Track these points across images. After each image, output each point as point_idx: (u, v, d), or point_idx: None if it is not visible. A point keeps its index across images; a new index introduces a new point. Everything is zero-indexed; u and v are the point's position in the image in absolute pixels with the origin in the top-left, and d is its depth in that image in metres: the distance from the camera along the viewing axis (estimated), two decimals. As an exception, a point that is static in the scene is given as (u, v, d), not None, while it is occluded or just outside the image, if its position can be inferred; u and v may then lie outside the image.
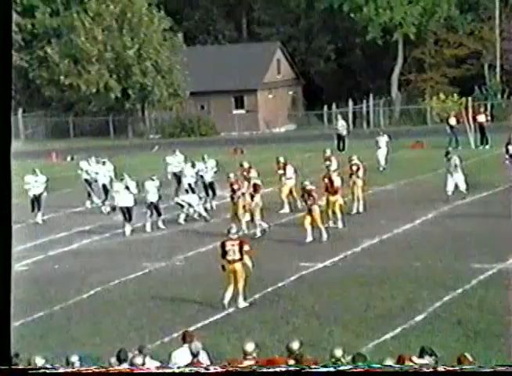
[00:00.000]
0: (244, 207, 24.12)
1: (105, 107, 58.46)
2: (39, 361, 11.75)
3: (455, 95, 55.00)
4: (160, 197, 25.59)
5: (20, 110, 58.11)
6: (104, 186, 28.90)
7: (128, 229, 24.96)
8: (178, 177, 29.27)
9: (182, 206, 26.19)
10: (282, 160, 27.88)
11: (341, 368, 7.33)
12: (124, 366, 11.52)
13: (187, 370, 8.42)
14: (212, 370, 7.10)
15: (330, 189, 23.76)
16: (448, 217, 24.70)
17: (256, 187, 24.10)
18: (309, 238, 22.21)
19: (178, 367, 10.26)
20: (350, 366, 6.80)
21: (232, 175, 24.89)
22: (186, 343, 12.56)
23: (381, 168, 33.78)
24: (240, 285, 17.31)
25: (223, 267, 17.38)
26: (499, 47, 59.35)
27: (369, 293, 17.79)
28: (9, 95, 7.87)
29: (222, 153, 38.66)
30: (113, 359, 11.91)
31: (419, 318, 16.09)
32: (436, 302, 16.84)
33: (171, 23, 58.75)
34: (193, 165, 28.24)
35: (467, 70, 60.32)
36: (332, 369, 7.83)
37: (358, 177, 25.94)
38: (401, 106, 59.45)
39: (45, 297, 19.11)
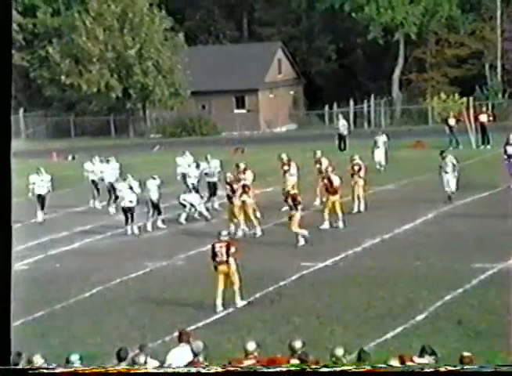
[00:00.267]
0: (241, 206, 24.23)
1: (106, 107, 58.48)
2: (39, 360, 11.75)
3: (456, 95, 55.04)
4: (160, 196, 25.62)
5: (21, 110, 58.14)
6: (111, 184, 28.69)
7: (135, 228, 24.87)
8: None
9: (184, 206, 26.21)
10: (285, 157, 27.90)
11: (344, 368, 7.35)
12: (124, 365, 11.52)
13: (187, 370, 8.43)
14: (213, 370, 7.10)
15: (330, 189, 23.78)
16: (449, 217, 24.70)
17: (245, 188, 24.00)
18: (302, 242, 22.17)
19: (179, 367, 10.27)
20: (352, 366, 6.81)
21: (229, 175, 24.95)
22: (183, 342, 12.58)
23: (381, 168, 33.72)
24: (236, 286, 17.27)
25: (215, 267, 17.35)
26: (500, 47, 59.34)
27: (369, 292, 17.80)
28: (9, 95, 7.88)
29: (223, 152, 38.65)
30: (114, 359, 11.92)
31: (420, 317, 16.10)
32: (437, 302, 16.85)
33: (172, 22, 58.76)
34: (198, 166, 28.31)
35: (468, 70, 60.30)
36: (334, 369, 7.85)
37: (359, 177, 25.96)
38: (402, 106, 59.44)
39: (46, 296, 19.12)
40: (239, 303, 17.39)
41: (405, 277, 18.74)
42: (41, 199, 27.51)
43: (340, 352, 11.30)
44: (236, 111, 59.25)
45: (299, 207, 22.08)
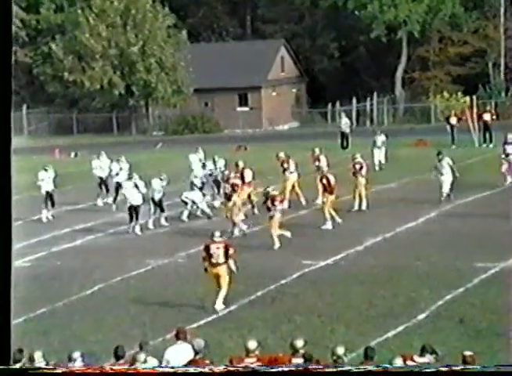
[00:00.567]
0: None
1: (109, 104, 58.47)
2: (39, 356, 11.75)
3: (459, 93, 54.98)
4: (164, 195, 25.64)
5: (24, 106, 58.12)
6: (119, 184, 28.52)
7: (137, 228, 24.82)
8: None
9: (186, 203, 26.21)
10: (283, 155, 27.89)
11: (346, 368, 7.35)
12: (122, 363, 11.52)
13: (189, 370, 8.43)
14: (215, 369, 7.09)
15: (328, 189, 23.77)
16: (450, 216, 24.68)
17: (234, 187, 23.94)
18: (277, 244, 21.92)
19: (180, 367, 10.26)
20: (354, 366, 6.81)
21: (226, 173, 24.96)
22: (180, 340, 12.59)
23: (380, 168, 33.60)
24: (223, 290, 16.98)
25: (206, 270, 17.16)
26: (503, 45, 59.28)
27: (371, 291, 17.80)
28: (10, 92, 7.86)
29: (226, 150, 38.63)
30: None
31: (421, 316, 16.10)
32: (438, 301, 16.85)
33: (175, 19, 58.73)
34: (204, 166, 28.33)
35: (471, 69, 60.23)
36: (336, 369, 7.85)
37: (361, 176, 25.95)
38: (405, 104, 59.37)
39: (47, 293, 19.12)
40: (219, 306, 17.01)
41: (407, 276, 18.73)
42: (48, 196, 27.46)
43: (341, 350, 11.30)
44: (239, 109, 59.23)
45: (278, 208, 21.88)
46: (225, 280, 17.01)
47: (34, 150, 46.96)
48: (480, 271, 18.66)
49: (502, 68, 59.27)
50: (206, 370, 7.11)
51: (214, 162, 28.53)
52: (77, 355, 12.02)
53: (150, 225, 25.42)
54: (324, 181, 23.93)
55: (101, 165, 30.08)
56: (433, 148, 38.07)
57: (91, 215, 27.84)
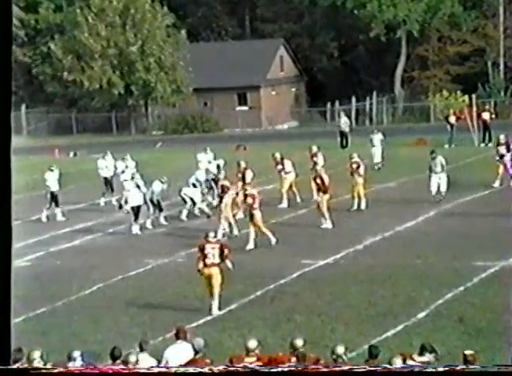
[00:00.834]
0: (237, 205, 24.27)
1: (108, 103, 58.46)
2: (37, 356, 11.73)
3: (458, 92, 54.98)
4: (163, 196, 25.61)
5: (23, 106, 58.13)
6: (137, 184, 28.32)
7: (136, 227, 24.76)
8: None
9: (185, 201, 26.17)
10: (278, 155, 27.90)
11: (344, 368, 7.35)
12: (119, 364, 11.51)
13: (189, 370, 8.42)
14: (214, 369, 7.09)
15: (322, 188, 23.77)
16: (449, 215, 24.69)
17: (224, 188, 23.86)
18: (251, 245, 21.75)
19: (180, 367, 10.26)
20: (352, 366, 6.81)
21: (221, 176, 24.97)
22: (180, 339, 12.58)
23: (377, 167, 33.58)
24: (216, 291, 16.81)
25: (199, 270, 16.96)
26: (502, 44, 59.29)
27: (370, 290, 17.80)
28: (9, 92, 7.85)
29: (225, 149, 38.62)
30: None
31: (420, 315, 16.10)
32: (438, 300, 16.85)
33: (174, 19, 58.73)
34: (207, 171, 28.33)
35: (471, 68, 60.25)
36: (335, 368, 7.85)
37: (358, 175, 25.95)
38: (404, 104, 59.39)
39: (46, 293, 19.12)
40: (215, 311, 16.85)
41: (406, 275, 18.73)
42: (54, 196, 27.41)
43: (341, 350, 11.31)
44: (238, 108, 59.24)
45: (256, 206, 21.75)
46: (217, 281, 16.80)
47: (34, 149, 46.94)
48: (479, 270, 18.66)
49: (501, 67, 59.29)
50: (206, 370, 7.10)
51: (218, 167, 28.66)
52: (76, 354, 12.02)
53: (149, 225, 25.41)
54: (318, 180, 23.93)
55: (106, 165, 30.07)
56: (432, 147, 38.12)
57: (91, 215, 27.84)
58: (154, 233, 24.95)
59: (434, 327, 15.39)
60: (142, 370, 6.99)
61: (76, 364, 11.78)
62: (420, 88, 60.22)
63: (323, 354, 12.02)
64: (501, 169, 28.09)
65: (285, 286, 18.56)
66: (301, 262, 20.21)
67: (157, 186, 25.45)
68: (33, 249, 23.30)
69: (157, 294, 18.63)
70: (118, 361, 11.64)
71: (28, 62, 60.21)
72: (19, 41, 59.01)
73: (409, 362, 10.91)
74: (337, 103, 56.68)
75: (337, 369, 6.73)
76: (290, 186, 27.32)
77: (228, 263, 17.06)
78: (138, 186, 25.14)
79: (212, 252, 16.92)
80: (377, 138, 34.71)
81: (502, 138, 29.29)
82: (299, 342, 11.63)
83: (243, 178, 25.87)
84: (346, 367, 6.73)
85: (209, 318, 16.74)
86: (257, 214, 21.85)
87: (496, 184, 27.85)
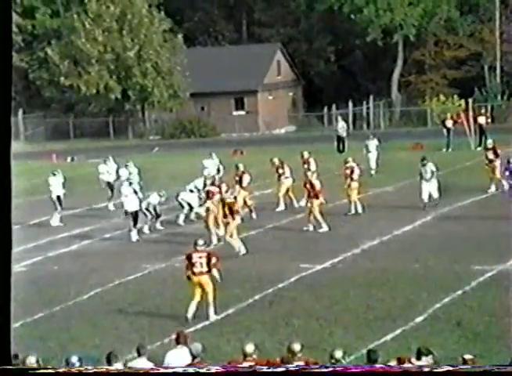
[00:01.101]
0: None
1: (105, 108, 58.49)
2: (33, 361, 11.70)
3: (455, 96, 55.07)
4: (159, 202, 25.57)
5: (20, 111, 58.13)
6: (135, 190, 28.18)
7: (134, 234, 24.66)
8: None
9: (182, 206, 26.14)
10: (277, 160, 27.87)
11: (341, 368, 7.35)
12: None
13: (187, 370, 8.43)
14: (213, 370, 7.11)
15: (313, 194, 23.77)
16: (447, 219, 24.70)
17: (209, 194, 23.78)
18: (242, 250, 21.55)
19: (178, 367, 10.27)
20: (350, 366, 6.81)
21: (208, 181, 24.90)
22: (180, 344, 12.58)
23: (372, 172, 33.53)
24: (210, 297, 16.75)
25: (189, 278, 16.90)
26: (499, 49, 59.39)
27: (369, 294, 17.79)
28: (9, 97, 7.87)
29: (222, 154, 38.59)
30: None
31: (419, 319, 16.09)
32: (436, 304, 16.85)
33: (171, 24, 58.78)
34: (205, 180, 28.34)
35: (467, 72, 60.35)
36: (331, 369, 7.85)
37: (352, 179, 25.95)
38: (401, 108, 59.48)
39: (44, 298, 19.09)
40: (212, 317, 16.80)
41: (405, 279, 18.73)
42: (59, 200, 27.36)
43: (339, 354, 11.30)
44: (235, 113, 59.27)
45: (236, 216, 21.71)
46: (210, 289, 16.73)
47: (31, 154, 46.93)
48: (477, 274, 18.66)
49: (497, 71, 59.38)
50: (204, 370, 7.12)
51: (218, 170, 28.75)
52: (74, 359, 12.01)
53: (146, 230, 25.37)
54: (308, 186, 23.94)
55: (108, 170, 29.99)
56: (429, 151, 38.17)
57: (89, 220, 27.82)
58: (151, 238, 24.92)
59: (433, 331, 15.39)
60: (142, 371, 7.00)
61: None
62: (416, 92, 60.30)
63: (322, 358, 12.01)
64: (491, 174, 28.18)
65: (283, 290, 18.56)
66: (299, 266, 20.20)
67: (154, 199, 25.37)
68: (31, 254, 23.27)
69: (155, 298, 18.62)
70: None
71: (25, 67, 60.19)
72: (17, 47, 58.97)
73: (407, 365, 10.91)
74: (334, 107, 56.75)
75: (334, 369, 6.74)
76: (287, 191, 27.32)
77: (216, 273, 16.83)
78: (135, 192, 25.10)
79: (199, 261, 16.75)
80: (373, 144, 34.66)
81: (489, 143, 29.48)
82: (296, 346, 11.62)
83: (241, 182, 25.87)
84: (343, 368, 6.74)
85: (207, 323, 16.71)
86: (233, 222, 21.67)
87: (492, 189, 27.87)
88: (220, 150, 41.53)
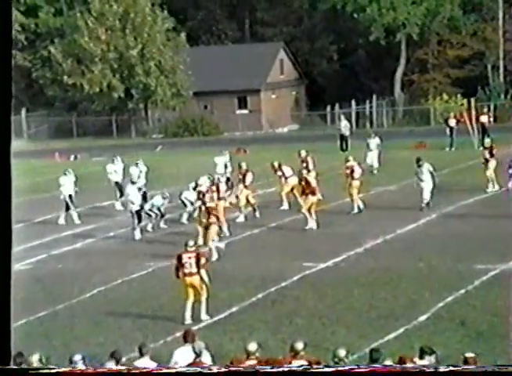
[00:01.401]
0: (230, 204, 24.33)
1: (108, 107, 58.51)
2: (36, 359, 11.72)
3: (458, 95, 55.02)
4: (163, 204, 25.57)
5: (23, 110, 58.16)
6: (139, 189, 28.13)
7: (138, 232, 24.64)
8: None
9: (185, 204, 26.14)
10: (276, 164, 27.78)
11: (345, 368, 7.34)
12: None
13: (189, 370, 8.43)
14: (215, 370, 7.10)
15: (308, 191, 23.78)
16: (451, 218, 24.69)
17: (199, 195, 23.67)
18: (215, 256, 21.26)
19: (180, 367, 10.27)
20: (353, 366, 6.81)
21: (200, 182, 24.82)
22: (188, 342, 12.58)
23: (374, 171, 33.50)
24: (203, 298, 16.68)
25: (178, 277, 16.80)
26: (502, 48, 59.33)
27: (372, 293, 17.79)
28: (10, 95, 7.86)
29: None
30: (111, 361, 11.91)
31: (422, 318, 16.09)
32: (439, 303, 16.85)
33: (174, 23, 58.80)
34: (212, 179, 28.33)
35: (470, 71, 60.29)
36: (335, 369, 7.84)
37: (353, 178, 25.95)
38: (404, 107, 59.43)
39: (48, 296, 19.10)
40: (204, 317, 16.75)
41: (408, 278, 18.73)
42: (70, 199, 27.29)
43: (342, 353, 11.31)
44: (238, 112, 59.26)
45: (215, 219, 21.53)
46: (202, 290, 16.66)
47: (34, 153, 46.97)
48: (480, 273, 18.65)
49: (501, 70, 59.32)
50: (205, 370, 7.12)
51: (226, 166, 28.94)
52: (78, 358, 12.02)
53: (150, 228, 25.39)
54: (303, 183, 23.96)
55: (115, 169, 29.88)
56: (432, 150, 38.15)
57: (93, 218, 27.82)
58: (155, 236, 24.94)
59: (436, 330, 15.38)
60: (142, 371, 6.99)
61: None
62: (419, 91, 60.25)
63: (324, 357, 12.02)
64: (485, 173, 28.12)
65: (286, 289, 18.56)
66: (302, 264, 20.20)
67: (158, 201, 25.36)
68: (35, 252, 23.29)
69: (159, 297, 18.62)
70: (119, 364, 11.64)
71: (28, 66, 60.26)
72: (20, 46, 59.05)
73: (410, 365, 10.91)
74: (337, 106, 56.71)
75: (337, 369, 6.73)
76: (292, 189, 27.29)
77: (204, 275, 16.70)
78: (139, 190, 25.09)
79: (189, 261, 16.68)
80: (374, 142, 34.66)
81: (487, 142, 29.42)
82: (299, 345, 11.62)
83: (244, 180, 25.89)
84: (347, 368, 6.73)
85: (210, 321, 16.71)
86: (213, 228, 21.52)
87: (490, 188, 27.76)
88: (223, 149, 41.58)
